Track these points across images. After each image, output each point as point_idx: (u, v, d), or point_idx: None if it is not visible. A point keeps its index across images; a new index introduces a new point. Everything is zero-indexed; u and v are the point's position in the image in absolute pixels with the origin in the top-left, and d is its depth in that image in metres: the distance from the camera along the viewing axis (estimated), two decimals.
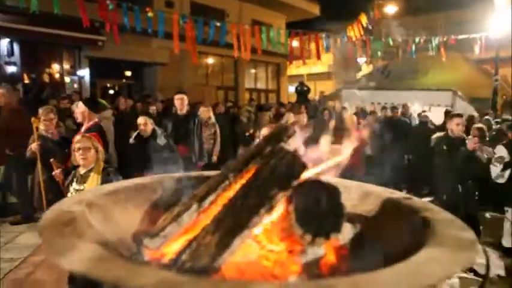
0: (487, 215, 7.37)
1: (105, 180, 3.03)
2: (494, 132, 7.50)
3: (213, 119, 6.44)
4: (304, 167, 1.20)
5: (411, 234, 1.25)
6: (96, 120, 4.64)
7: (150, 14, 9.37)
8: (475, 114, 9.94)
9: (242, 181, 1.22)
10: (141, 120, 4.96)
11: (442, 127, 8.27)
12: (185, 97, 5.85)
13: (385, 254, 1.20)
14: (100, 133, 4.46)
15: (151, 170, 4.06)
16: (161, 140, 4.83)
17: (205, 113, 6.34)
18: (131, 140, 4.97)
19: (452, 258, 0.95)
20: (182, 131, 5.70)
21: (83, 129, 4.52)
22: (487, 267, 1.21)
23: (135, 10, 9.06)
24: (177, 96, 5.85)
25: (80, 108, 4.63)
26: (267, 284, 0.85)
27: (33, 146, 4.68)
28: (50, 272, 4.05)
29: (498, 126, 8.24)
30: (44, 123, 4.97)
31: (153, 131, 4.89)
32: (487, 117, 9.68)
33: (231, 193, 1.21)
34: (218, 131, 6.33)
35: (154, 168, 4.10)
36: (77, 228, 1.08)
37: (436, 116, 9.85)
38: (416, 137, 8.22)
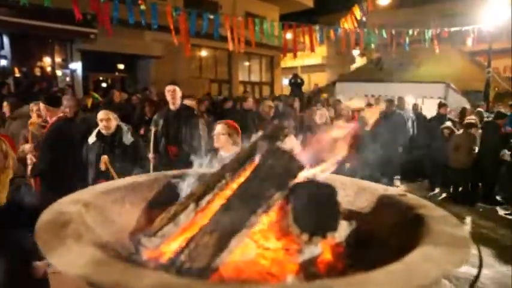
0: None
1: (13, 196, 2.46)
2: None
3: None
4: (301, 167, 1.20)
5: (406, 231, 1.26)
6: (61, 115, 4.34)
7: (142, 7, 9.25)
8: (468, 106, 10.00)
9: (239, 181, 1.23)
10: (102, 115, 4.08)
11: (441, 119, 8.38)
12: (177, 89, 5.05)
13: (380, 251, 1.22)
14: (58, 131, 4.14)
15: (106, 176, 3.64)
16: (127, 139, 4.09)
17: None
18: (91, 140, 4.07)
19: (446, 256, 0.97)
20: (174, 128, 5.00)
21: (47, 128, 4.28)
22: (480, 263, 1.23)
23: (128, 2, 8.95)
24: (167, 88, 5.09)
25: (41, 106, 4.37)
26: (265, 285, 0.86)
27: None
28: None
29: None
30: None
31: (118, 128, 4.10)
32: (479, 109, 9.77)
33: (228, 193, 1.22)
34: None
35: (115, 172, 3.66)
36: (74, 229, 1.08)
37: (429, 108, 9.91)
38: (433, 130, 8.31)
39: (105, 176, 3.68)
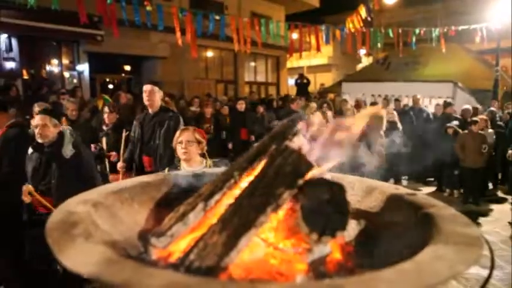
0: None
1: None
2: None
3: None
4: (310, 165, 1.20)
5: (416, 230, 1.26)
6: (13, 121, 3.97)
7: (148, 8, 9.30)
8: (478, 105, 9.91)
9: (248, 180, 1.23)
10: (37, 120, 3.31)
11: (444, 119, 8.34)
12: (155, 89, 4.37)
13: (390, 251, 1.21)
14: (9, 139, 3.74)
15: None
16: (67, 150, 3.31)
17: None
18: (29, 150, 3.40)
19: (458, 255, 0.96)
20: (148, 135, 4.39)
21: None
22: (492, 262, 1.21)
23: (134, 4, 9.00)
24: (144, 88, 4.43)
25: None
26: (274, 284, 0.86)
27: None
28: None
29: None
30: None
31: (60, 136, 3.35)
32: (492, 108, 9.69)
33: (236, 192, 1.22)
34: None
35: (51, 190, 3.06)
36: (84, 229, 1.08)
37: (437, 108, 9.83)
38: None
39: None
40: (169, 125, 4.27)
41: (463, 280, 4.45)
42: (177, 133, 3.17)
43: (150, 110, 4.44)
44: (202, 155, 3.15)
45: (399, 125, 7.23)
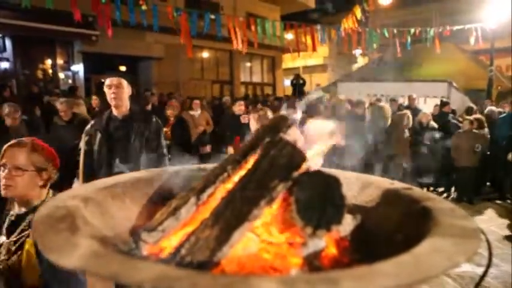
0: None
1: None
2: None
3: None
4: (304, 158, 1.18)
5: (413, 224, 1.24)
6: None
7: (143, 8, 9.27)
8: (473, 105, 9.99)
9: (241, 173, 1.20)
10: None
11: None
12: (125, 84, 3.26)
13: (386, 245, 1.19)
14: None
15: None
16: None
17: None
18: None
19: (456, 248, 0.93)
20: (120, 145, 3.25)
21: None
22: (489, 256, 1.19)
23: (129, 3, 8.96)
24: (107, 83, 3.25)
25: None
26: (267, 278, 0.83)
27: None
28: None
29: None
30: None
31: None
32: (490, 107, 9.76)
33: (229, 185, 1.19)
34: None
35: None
36: (72, 223, 1.05)
37: (432, 107, 9.90)
38: None
39: None
40: (150, 132, 3.28)
41: (458, 278, 4.45)
42: None
43: (116, 112, 3.28)
44: (45, 186, 2.07)
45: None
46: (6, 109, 5.63)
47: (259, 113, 4.56)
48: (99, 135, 3.23)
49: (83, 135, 3.31)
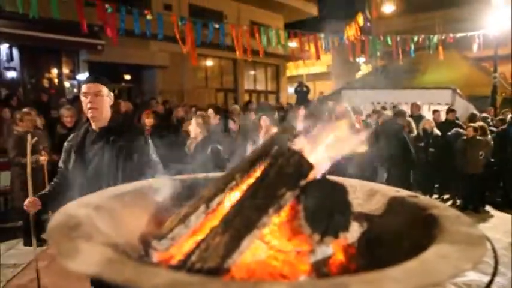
0: None
1: None
2: None
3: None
4: (311, 166, 1.20)
5: (419, 231, 1.25)
6: None
7: (149, 17, 9.37)
8: (477, 112, 9.98)
9: (249, 181, 1.22)
10: None
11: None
12: (104, 91, 2.74)
13: (393, 253, 1.20)
14: None
15: None
16: None
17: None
18: None
19: (462, 254, 0.95)
20: (95, 164, 2.71)
21: None
22: (495, 264, 1.20)
23: (134, 13, 9.07)
24: (83, 89, 2.72)
25: None
26: (277, 283, 0.85)
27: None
28: (54, 277, 4.06)
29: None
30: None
31: None
32: (484, 114, 9.78)
33: (238, 193, 1.21)
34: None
35: None
36: (84, 231, 1.08)
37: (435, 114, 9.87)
38: None
39: None
40: (131, 149, 2.69)
41: (465, 287, 4.42)
42: None
43: (93, 125, 2.74)
44: None
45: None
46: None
47: (199, 118, 4.49)
48: (73, 153, 2.74)
49: (62, 152, 2.84)
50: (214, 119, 6.27)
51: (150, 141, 2.84)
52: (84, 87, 2.72)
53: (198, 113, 5.08)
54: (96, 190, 2.18)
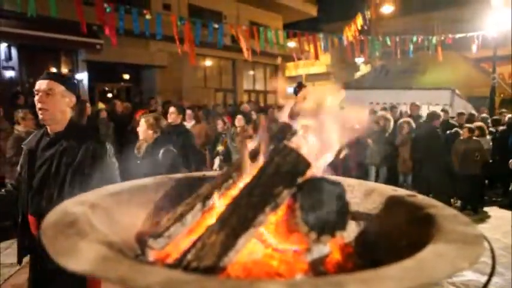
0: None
1: None
2: None
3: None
4: (308, 164, 1.19)
5: (416, 230, 1.24)
6: None
7: (147, 17, 9.37)
8: (475, 112, 10.00)
9: (246, 180, 1.22)
10: None
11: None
12: (60, 89, 2.41)
13: (390, 251, 1.20)
14: None
15: None
16: None
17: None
18: None
19: (459, 253, 0.94)
20: (40, 177, 2.40)
21: None
22: (493, 263, 1.20)
23: (133, 13, 9.06)
24: (36, 87, 2.42)
25: None
26: (274, 281, 0.85)
27: None
28: None
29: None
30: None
31: None
32: (484, 115, 9.81)
33: (235, 192, 1.21)
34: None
35: None
36: (79, 229, 1.07)
37: None
38: None
39: None
40: (83, 159, 2.34)
41: (463, 287, 4.42)
42: None
43: (48, 129, 2.45)
44: None
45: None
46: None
47: (150, 119, 4.19)
48: (26, 158, 2.43)
49: (24, 151, 2.52)
50: (177, 119, 5.87)
51: (109, 148, 2.53)
52: (36, 84, 2.40)
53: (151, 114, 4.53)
54: (38, 205, 2.18)
